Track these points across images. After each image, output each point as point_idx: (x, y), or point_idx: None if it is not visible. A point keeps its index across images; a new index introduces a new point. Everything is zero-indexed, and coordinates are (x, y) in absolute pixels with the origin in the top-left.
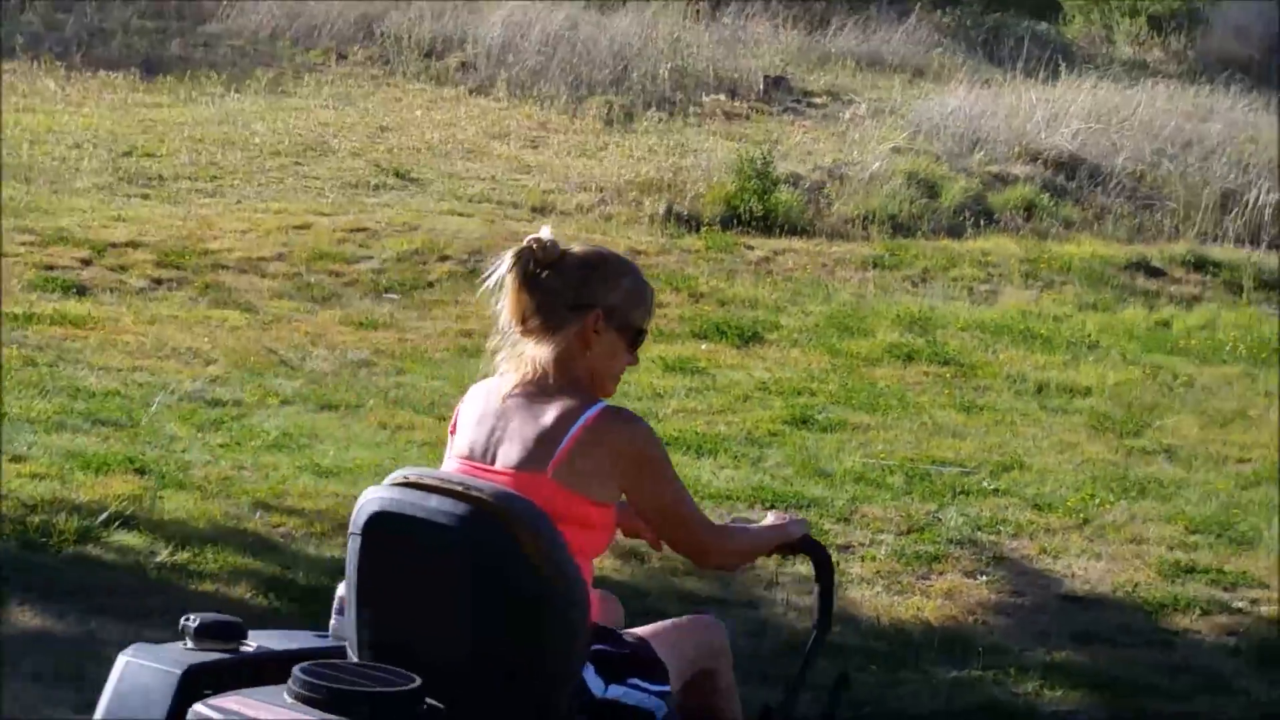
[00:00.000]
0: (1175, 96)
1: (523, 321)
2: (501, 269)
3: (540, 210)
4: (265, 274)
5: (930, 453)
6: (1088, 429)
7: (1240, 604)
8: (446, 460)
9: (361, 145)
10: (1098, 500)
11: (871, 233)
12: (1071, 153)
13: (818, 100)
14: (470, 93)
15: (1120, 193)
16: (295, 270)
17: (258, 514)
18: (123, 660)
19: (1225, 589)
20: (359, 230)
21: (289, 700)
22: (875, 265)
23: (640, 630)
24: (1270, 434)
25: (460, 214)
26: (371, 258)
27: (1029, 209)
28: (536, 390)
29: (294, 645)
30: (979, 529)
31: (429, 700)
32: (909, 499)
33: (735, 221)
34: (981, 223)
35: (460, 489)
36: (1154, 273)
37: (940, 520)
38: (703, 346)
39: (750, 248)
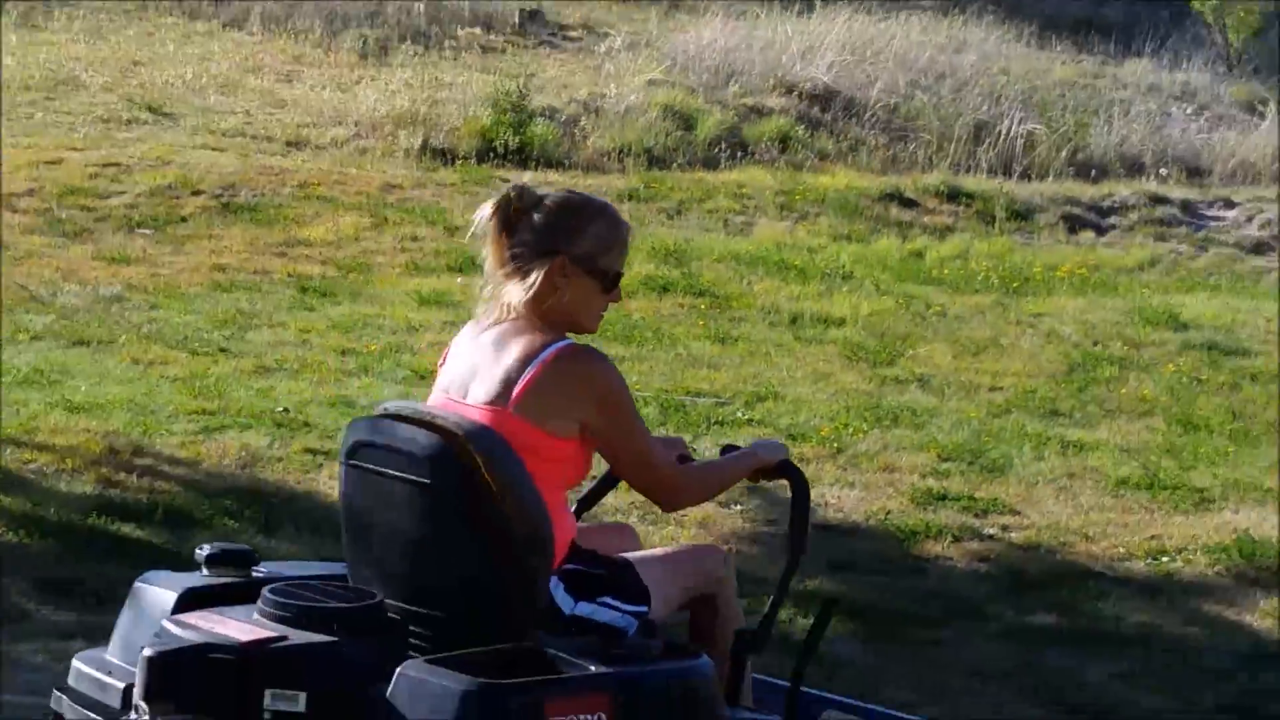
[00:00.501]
0: (929, 29)
1: (501, 266)
2: (483, 216)
3: (295, 144)
4: (16, 209)
5: (685, 384)
6: (841, 359)
7: (991, 530)
8: (431, 395)
9: (114, 80)
10: (851, 429)
11: (627, 165)
12: (826, 85)
13: (573, 34)
14: (224, 26)
15: (874, 125)
16: (46, 206)
17: (7, 450)
18: (136, 585)
19: (976, 515)
20: (111, 165)
21: (255, 618)
22: (631, 198)
23: (633, 555)
24: (1021, 362)
25: (214, 149)
26: (124, 193)
27: (784, 141)
28: (510, 330)
29: (297, 572)
30: None
31: (390, 615)
32: (664, 430)
33: (491, 155)
34: (737, 155)
35: (428, 420)
36: (907, 203)
37: (695, 451)
38: (458, 280)
39: (506, 181)
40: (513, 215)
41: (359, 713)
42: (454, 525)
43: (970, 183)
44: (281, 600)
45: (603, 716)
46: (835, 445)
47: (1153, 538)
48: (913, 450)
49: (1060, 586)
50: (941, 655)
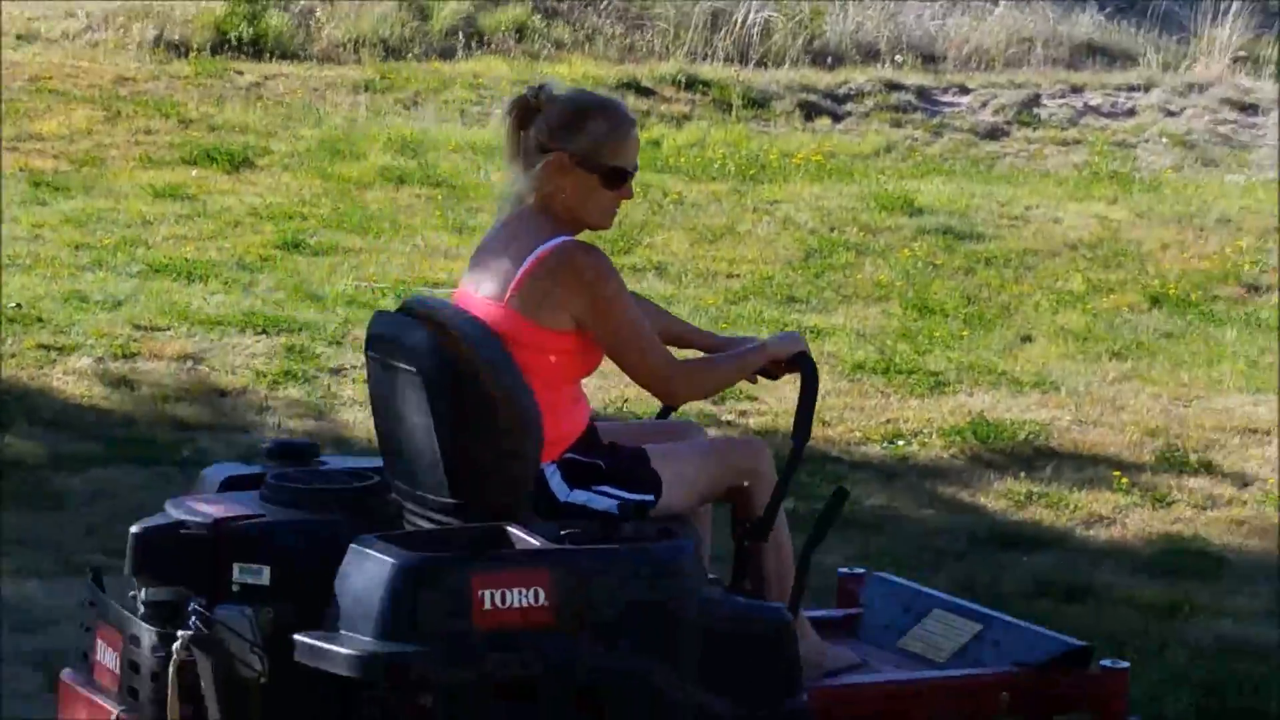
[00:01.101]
0: None
1: (513, 161)
2: (504, 112)
3: (25, 38)
4: None
5: (422, 275)
6: None
7: (729, 417)
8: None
9: None
10: None
11: (362, 56)
12: None
13: None
14: None
15: (611, 14)
16: None
17: None
18: (200, 473)
19: (715, 403)
20: None
21: (253, 500)
22: (367, 89)
23: (657, 446)
24: (758, 249)
25: None
26: None
27: (520, 30)
28: (518, 226)
29: (352, 464)
30: None
31: (390, 498)
32: None
33: (225, 47)
34: (473, 45)
35: (423, 314)
36: (644, 92)
37: None
38: (193, 173)
39: (240, 73)
40: (527, 113)
41: (320, 587)
42: (445, 412)
43: (707, 71)
44: (279, 484)
45: (540, 591)
46: None
47: (888, 421)
48: None
49: (797, 471)
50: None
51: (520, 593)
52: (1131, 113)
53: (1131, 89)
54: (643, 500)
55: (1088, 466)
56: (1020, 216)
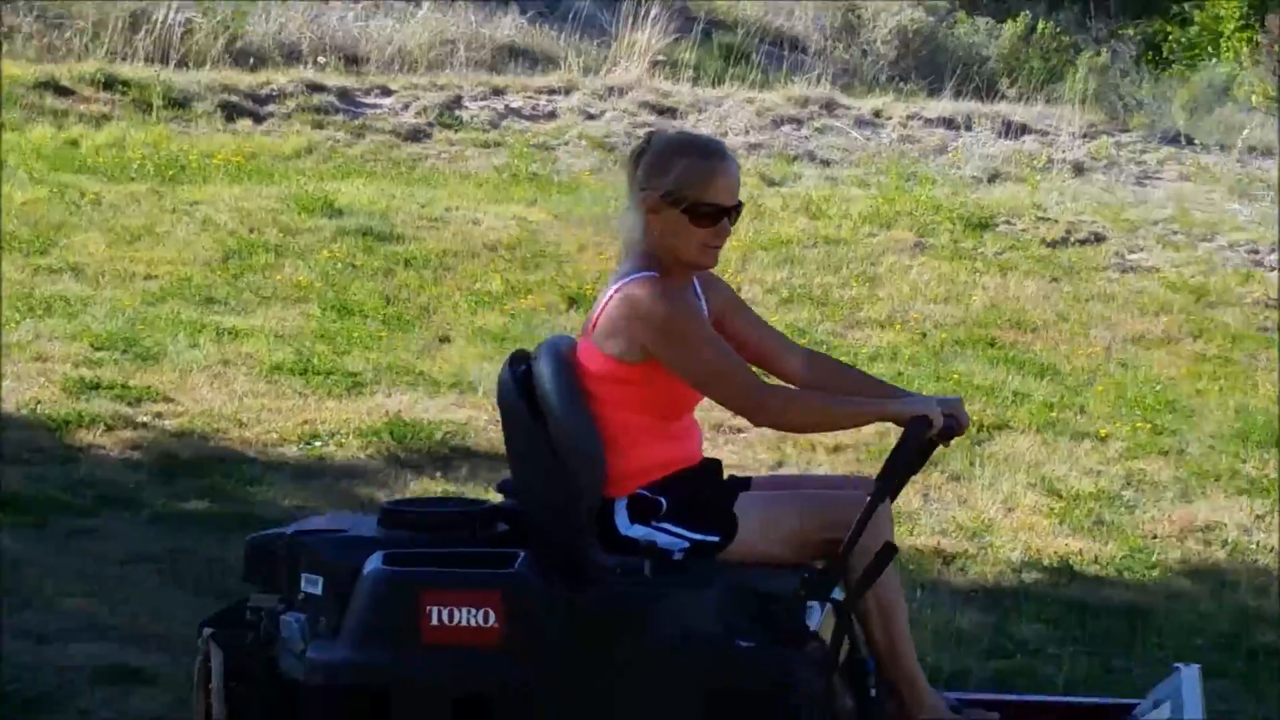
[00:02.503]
0: None
1: (627, 207)
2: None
3: None
4: None
5: None
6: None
7: (144, 418)
8: None
9: None
10: (5, 320)
11: None
12: None
13: None
14: None
15: (29, 12)
16: None
17: None
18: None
19: (130, 404)
20: None
21: (373, 525)
22: None
23: (756, 492)
24: (177, 250)
25: None
26: None
27: None
28: (623, 264)
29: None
30: None
31: (501, 525)
32: None
33: None
34: None
35: (537, 350)
36: (63, 92)
37: None
38: None
39: None
40: (638, 159)
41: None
42: (528, 446)
43: (127, 71)
44: (391, 510)
45: (490, 613)
46: None
47: (305, 422)
48: (65, 340)
49: (213, 472)
50: (94, 544)
51: (467, 610)
52: (552, 115)
53: (552, 92)
54: (705, 540)
55: (503, 466)
56: (440, 218)
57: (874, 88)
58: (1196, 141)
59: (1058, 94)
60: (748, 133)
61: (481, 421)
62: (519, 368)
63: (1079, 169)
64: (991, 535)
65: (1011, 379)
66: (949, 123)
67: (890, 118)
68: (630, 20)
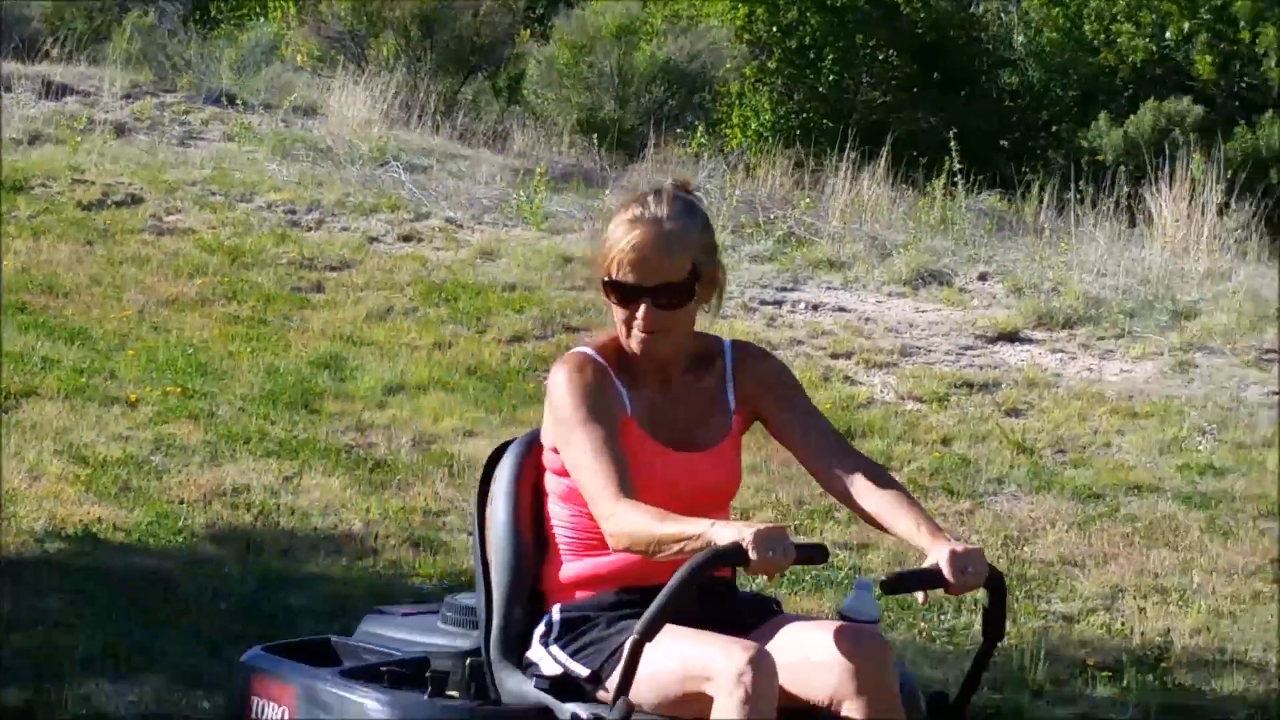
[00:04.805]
0: None
1: None
2: None
3: None
4: None
5: None
6: None
7: None
8: None
9: None
10: None
11: None
12: None
13: None
14: None
15: None
16: None
17: None
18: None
19: None
20: None
21: (433, 622)
22: None
23: (682, 629)
24: None
25: None
26: None
27: None
28: None
29: None
30: None
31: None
32: None
33: None
34: None
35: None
36: None
37: None
38: None
39: None
40: None
41: None
42: (480, 550)
43: None
44: (445, 611)
45: (286, 711)
46: None
47: None
48: None
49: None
50: None
51: (272, 705)
52: None
53: None
54: (571, 673)
55: None
56: None
57: None
58: (240, 101)
59: (104, 54)
60: None
61: None
62: (490, 466)
63: (121, 130)
64: (16, 505)
65: (41, 345)
66: None
67: None
68: None
